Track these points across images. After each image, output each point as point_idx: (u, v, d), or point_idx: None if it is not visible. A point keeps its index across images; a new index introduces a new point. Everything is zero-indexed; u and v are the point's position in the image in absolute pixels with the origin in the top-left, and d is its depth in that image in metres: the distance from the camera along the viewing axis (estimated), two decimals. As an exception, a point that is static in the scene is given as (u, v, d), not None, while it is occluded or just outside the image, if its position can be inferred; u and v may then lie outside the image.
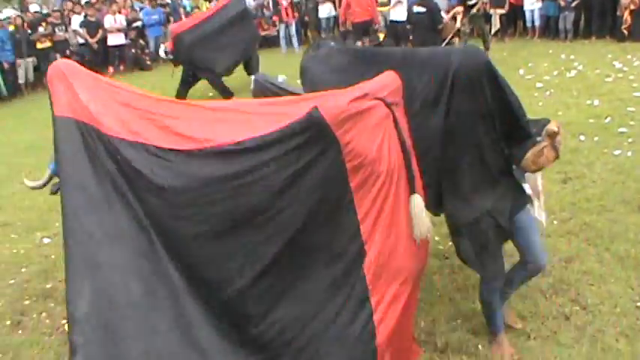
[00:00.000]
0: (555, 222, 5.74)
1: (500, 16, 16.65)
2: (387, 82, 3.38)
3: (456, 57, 3.56)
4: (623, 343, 3.97)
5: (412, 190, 3.34)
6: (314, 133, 2.99)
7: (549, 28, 16.52)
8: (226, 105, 3.84)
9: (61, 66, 3.44)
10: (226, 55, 11.85)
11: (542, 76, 11.79)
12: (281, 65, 15.50)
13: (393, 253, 3.28)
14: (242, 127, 3.16)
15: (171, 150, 3.16)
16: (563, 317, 4.32)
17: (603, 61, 12.91)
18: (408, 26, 13.35)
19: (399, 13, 15.84)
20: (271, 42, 19.35)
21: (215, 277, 3.13)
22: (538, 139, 3.54)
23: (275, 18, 18.75)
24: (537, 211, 4.11)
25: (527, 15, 16.81)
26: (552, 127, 3.52)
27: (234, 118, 3.32)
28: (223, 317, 3.13)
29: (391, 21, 16.58)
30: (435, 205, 3.85)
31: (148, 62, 18.08)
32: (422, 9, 10.87)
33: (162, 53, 13.36)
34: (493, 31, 16.56)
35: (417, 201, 3.32)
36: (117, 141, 3.18)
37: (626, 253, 5.06)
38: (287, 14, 18.32)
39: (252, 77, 9.08)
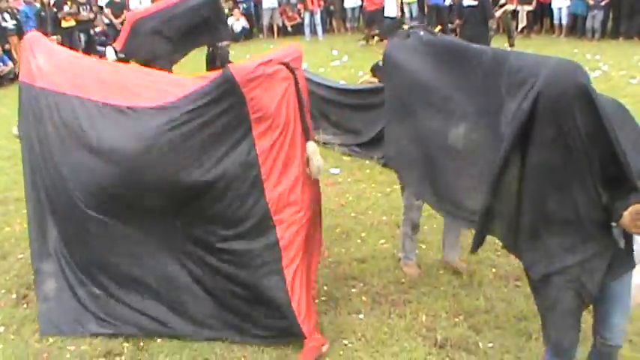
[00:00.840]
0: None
1: (528, 12, 16.51)
2: (290, 52, 4.15)
3: (545, 72, 2.96)
4: (627, 349, 3.89)
5: (307, 138, 4.07)
6: (226, 89, 3.73)
7: (577, 27, 16.32)
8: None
9: (29, 37, 4.48)
10: (180, 47, 10.20)
11: (566, 75, 11.62)
12: (306, 53, 15.45)
13: (290, 188, 3.98)
14: (175, 87, 4.06)
15: (111, 105, 4.09)
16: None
17: (629, 61, 12.76)
18: (457, 21, 12.71)
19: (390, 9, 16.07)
20: (296, 30, 19.35)
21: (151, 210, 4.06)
22: None
23: (300, 6, 18.70)
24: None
25: (555, 13, 16.62)
26: None
27: (169, 80, 4.38)
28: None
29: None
30: (509, 243, 3.34)
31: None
32: (473, 2, 10.60)
33: (110, 55, 13.08)
34: (520, 28, 16.44)
35: (311, 146, 4.06)
36: (59, 95, 4.21)
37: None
38: (312, 3, 18.25)
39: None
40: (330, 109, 8.23)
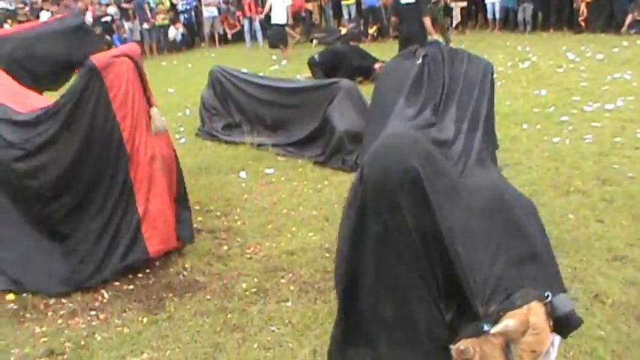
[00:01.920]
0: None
1: (461, 8, 16.98)
2: (130, 47, 5.38)
3: (371, 152, 2.64)
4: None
5: (150, 105, 5.16)
6: (90, 75, 4.83)
7: (509, 21, 16.86)
8: None
9: None
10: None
11: (496, 68, 11.94)
12: (246, 59, 15.71)
13: (148, 146, 5.07)
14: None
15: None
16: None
17: (557, 52, 13.29)
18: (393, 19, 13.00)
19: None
20: (236, 37, 19.57)
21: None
22: (486, 327, 2.43)
23: (239, 13, 18.92)
24: None
25: (489, 7, 17.15)
26: (510, 325, 2.40)
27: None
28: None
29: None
30: None
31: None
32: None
33: None
34: (454, 24, 16.90)
35: (153, 111, 5.15)
36: None
37: (549, 234, 5.29)
38: (250, 9, 18.49)
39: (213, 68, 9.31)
40: (265, 111, 8.50)
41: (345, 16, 18.50)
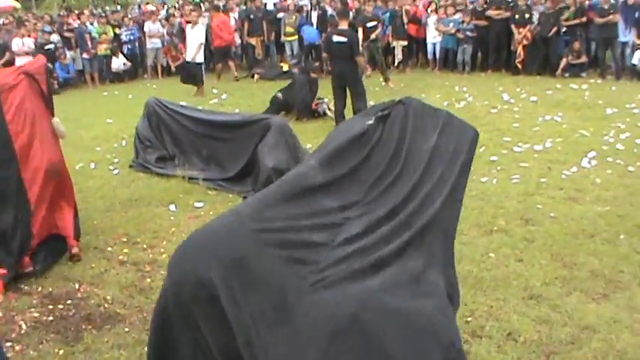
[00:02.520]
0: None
1: (403, 47, 17.31)
2: (36, 62, 6.26)
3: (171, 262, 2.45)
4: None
5: (52, 115, 6.02)
6: None
7: (449, 61, 17.26)
8: None
9: None
10: None
11: (432, 107, 12.34)
12: (187, 92, 15.68)
13: (40, 154, 5.78)
14: None
15: None
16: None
17: (493, 93, 13.65)
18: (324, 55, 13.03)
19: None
20: (180, 69, 19.52)
21: None
22: None
23: (181, 46, 18.95)
24: None
25: (430, 47, 17.53)
26: None
27: None
28: None
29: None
30: None
31: (56, 86, 17.92)
32: (342, 39, 10.52)
33: None
34: (396, 63, 17.22)
35: (55, 119, 6.00)
36: None
37: (469, 272, 5.43)
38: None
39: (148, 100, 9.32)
40: (200, 144, 8.51)
41: (288, 52, 18.68)
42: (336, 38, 10.60)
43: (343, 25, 10.97)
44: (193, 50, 15.24)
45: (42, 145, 5.85)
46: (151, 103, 9.34)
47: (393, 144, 3.21)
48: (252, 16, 18.80)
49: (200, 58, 15.51)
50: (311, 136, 10.43)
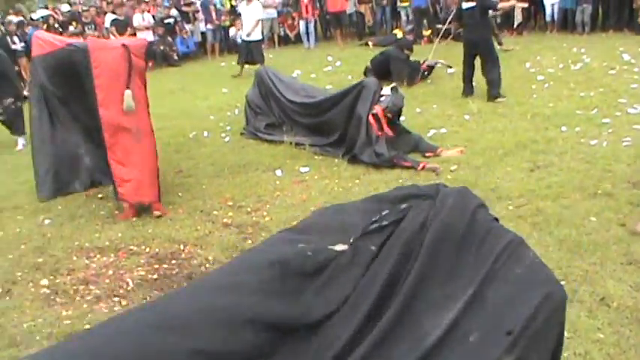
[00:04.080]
0: (510, 207, 6.05)
1: (522, 9, 16.78)
2: (137, 40, 7.89)
3: None
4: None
5: (127, 87, 6.52)
6: (83, 54, 6.61)
7: (568, 22, 16.59)
8: None
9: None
10: None
11: (546, 69, 12.03)
12: (301, 61, 15.98)
13: (119, 118, 6.58)
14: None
15: None
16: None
17: (613, 53, 13.05)
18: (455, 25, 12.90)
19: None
20: (298, 38, 19.85)
21: None
22: None
23: (296, 15, 19.18)
24: None
25: (548, 8, 16.90)
26: None
27: None
28: None
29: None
30: None
31: (176, 58, 18.73)
32: (471, 4, 10.16)
33: None
34: (515, 25, 16.72)
35: (127, 92, 6.50)
36: None
37: (567, 236, 5.35)
38: (307, 11, 18.77)
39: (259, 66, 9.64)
40: (301, 119, 8.78)
41: (403, 18, 18.53)
42: (465, 5, 10.32)
43: None
44: (249, 27, 15.07)
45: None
46: (262, 72, 9.65)
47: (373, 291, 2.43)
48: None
49: (257, 35, 15.28)
50: (421, 100, 10.45)
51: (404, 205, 2.64)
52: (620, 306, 4.33)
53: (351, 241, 2.56)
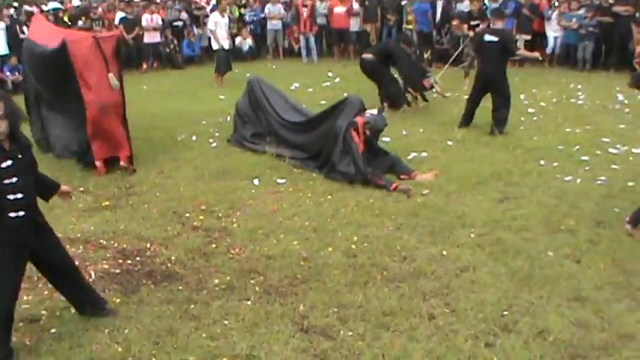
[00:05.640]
0: (472, 235, 6.15)
1: (525, 41, 16.85)
2: (110, 33, 10.60)
3: None
4: (469, 344, 4.35)
5: (108, 71, 8.05)
6: (63, 48, 7.94)
7: (570, 57, 16.67)
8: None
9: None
10: None
11: (538, 102, 12.14)
12: (302, 73, 16.12)
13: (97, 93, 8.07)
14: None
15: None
16: (428, 317, 4.72)
17: (608, 93, 13.17)
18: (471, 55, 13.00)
19: None
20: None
21: None
22: None
23: (295, 28, 19.33)
24: None
25: (550, 42, 16.96)
26: None
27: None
28: None
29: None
30: None
31: (180, 61, 18.88)
32: (494, 38, 9.88)
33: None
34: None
35: (110, 74, 8.06)
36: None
37: (520, 268, 5.45)
38: (305, 26, 18.89)
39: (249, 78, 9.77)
40: (286, 133, 8.95)
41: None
42: (488, 37, 10.02)
43: (497, 25, 10.28)
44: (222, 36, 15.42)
45: (96, 87, 8.06)
46: (253, 81, 9.74)
47: None
48: (367, 3, 18.84)
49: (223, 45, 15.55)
50: (410, 123, 10.59)
51: None
52: (556, 340, 4.43)
53: None
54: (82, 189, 7.71)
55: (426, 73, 12.03)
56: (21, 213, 4.03)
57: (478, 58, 10.85)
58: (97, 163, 8.35)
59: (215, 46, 15.47)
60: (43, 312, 4.86)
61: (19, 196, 4.00)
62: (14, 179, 3.97)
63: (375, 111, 8.18)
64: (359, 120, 7.91)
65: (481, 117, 10.23)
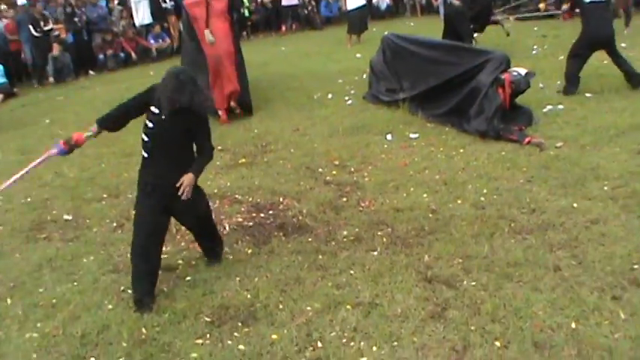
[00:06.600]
0: (605, 187, 5.92)
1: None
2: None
3: None
4: (594, 297, 4.24)
5: (207, 27, 9.37)
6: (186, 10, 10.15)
7: None
8: None
9: None
10: None
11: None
12: (439, 31, 15.87)
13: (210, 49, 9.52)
14: None
15: None
16: (553, 268, 4.64)
17: None
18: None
19: None
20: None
21: None
22: None
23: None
24: None
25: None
26: None
27: None
28: None
29: None
30: None
31: (318, 22, 19.16)
32: None
33: None
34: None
35: (206, 31, 9.38)
36: None
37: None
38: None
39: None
40: (429, 69, 8.78)
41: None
42: None
43: None
44: None
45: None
46: (387, 37, 9.81)
47: None
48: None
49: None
50: (547, 76, 10.18)
51: None
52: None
53: None
54: (220, 147, 8.06)
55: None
56: None
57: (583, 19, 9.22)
58: (220, 112, 9.51)
59: (349, 6, 15.56)
60: (180, 262, 5.25)
61: None
62: None
63: (522, 70, 7.89)
64: (506, 77, 7.73)
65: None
